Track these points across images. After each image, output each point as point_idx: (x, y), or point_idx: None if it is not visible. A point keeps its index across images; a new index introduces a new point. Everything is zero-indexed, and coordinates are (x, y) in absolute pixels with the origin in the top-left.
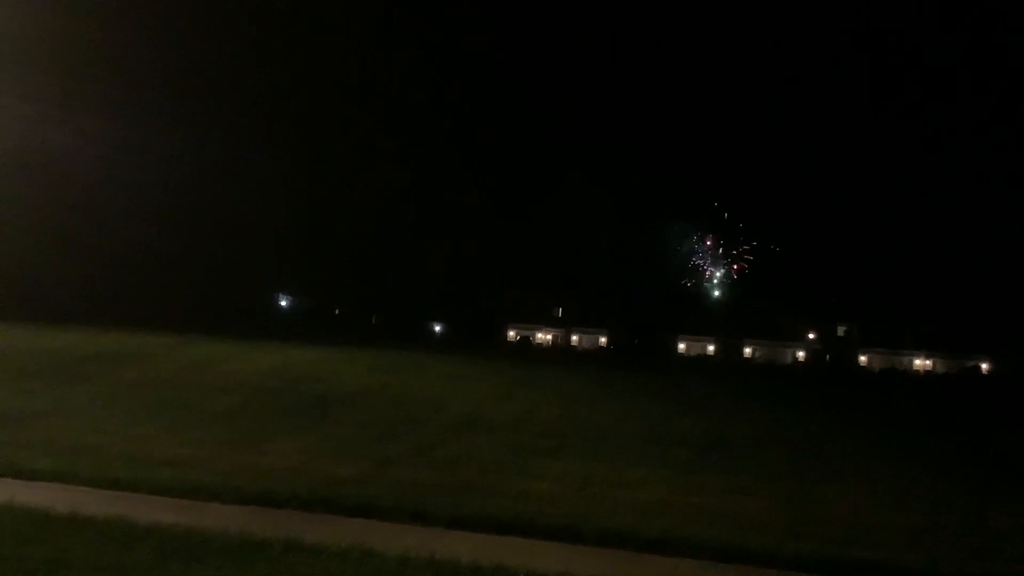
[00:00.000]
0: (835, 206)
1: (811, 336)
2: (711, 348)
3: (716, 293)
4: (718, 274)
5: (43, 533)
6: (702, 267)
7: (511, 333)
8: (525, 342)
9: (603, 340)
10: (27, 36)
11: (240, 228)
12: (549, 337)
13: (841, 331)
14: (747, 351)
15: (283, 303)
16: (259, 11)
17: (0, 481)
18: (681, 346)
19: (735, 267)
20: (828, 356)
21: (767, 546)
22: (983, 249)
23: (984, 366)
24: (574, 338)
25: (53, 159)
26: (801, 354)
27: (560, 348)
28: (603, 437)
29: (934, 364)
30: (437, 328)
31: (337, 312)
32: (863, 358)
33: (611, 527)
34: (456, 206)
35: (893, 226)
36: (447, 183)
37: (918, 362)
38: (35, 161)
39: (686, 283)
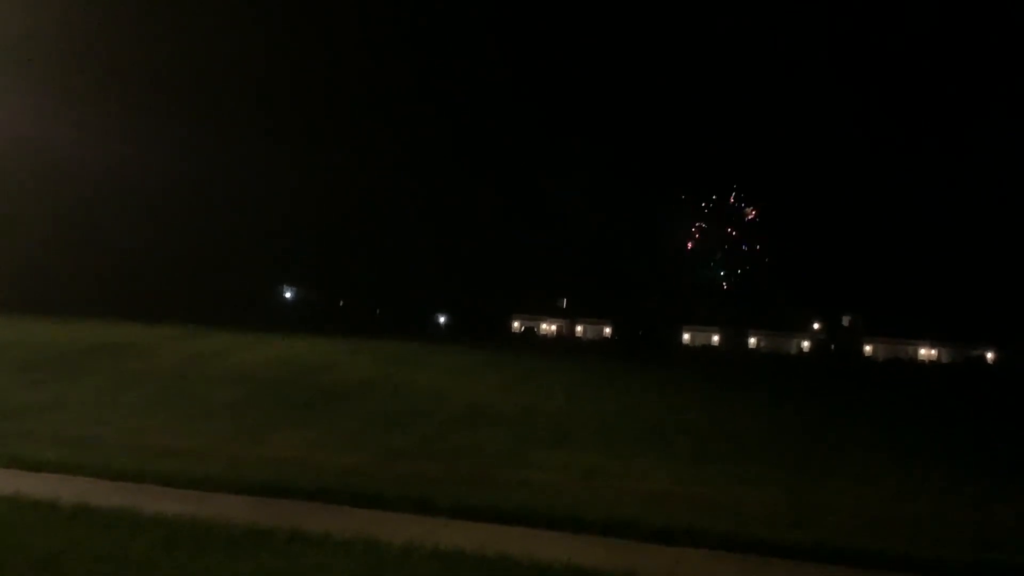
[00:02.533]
0: (841, 196)
1: (816, 326)
2: (716, 338)
3: (721, 283)
4: (721, 265)
5: (49, 524)
6: (706, 255)
7: (516, 324)
8: (530, 333)
9: (607, 331)
10: (30, 33)
11: (245, 221)
12: (554, 328)
13: (846, 321)
14: (752, 341)
15: (288, 295)
16: (264, 6)
17: (6, 472)
18: (686, 336)
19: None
20: (833, 346)
21: (771, 536)
22: (988, 239)
23: (989, 355)
24: (578, 329)
25: (56, 153)
26: (806, 344)
27: (564, 339)
28: (607, 428)
29: (939, 354)
30: (442, 319)
31: (342, 304)
32: (868, 348)
33: (615, 517)
34: (460, 198)
35: (898, 216)
36: (451, 175)
37: (923, 351)
38: (39, 155)
39: (692, 271)
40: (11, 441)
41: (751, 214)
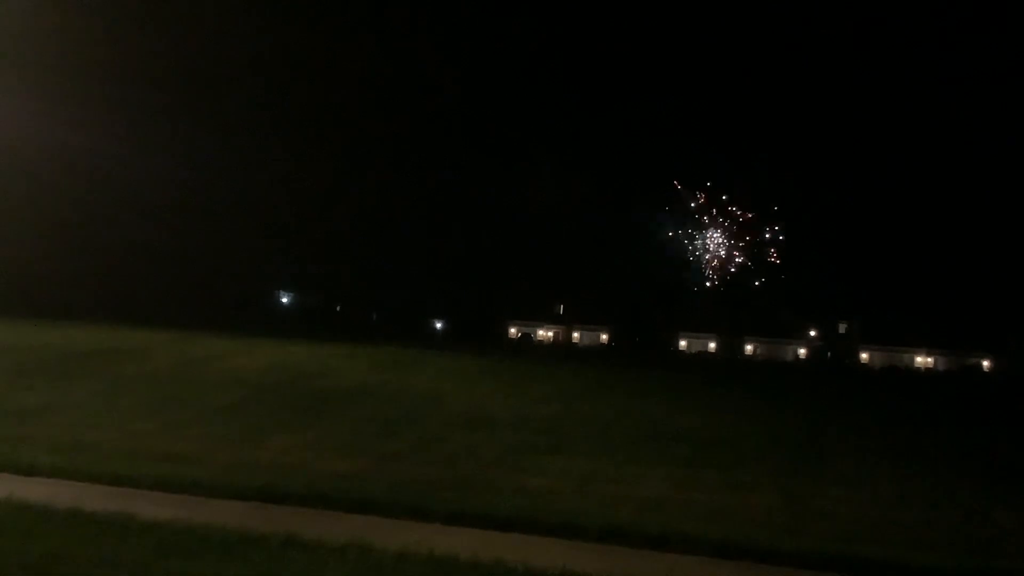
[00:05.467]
0: (837, 202)
1: (812, 333)
2: (712, 345)
3: (711, 284)
4: (717, 269)
5: (42, 528)
6: (704, 261)
7: (512, 330)
8: (526, 339)
9: (604, 337)
10: (30, 33)
11: (241, 224)
12: (550, 334)
13: (842, 328)
14: (748, 348)
15: (284, 299)
16: (260, 8)
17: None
18: (682, 343)
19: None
20: (829, 353)
21: (767, 543)
22: (985, 245)
23: (985, 363)
24: (575, 335)
25: (54, 155)
26: (802, 351)
27: (561, 345)
28: (603, 434)
29: (935, 361)
30: (438, 325)
31: (338, 309)
32: (864, 355)
33: (611, 523)
34: (458, 203)
35: (895, 222)
36: (449, 180)
37: (919, 359)
38: (36, 157)
39: (686, 276)
40: (5, 445)
41: (750, 219)
